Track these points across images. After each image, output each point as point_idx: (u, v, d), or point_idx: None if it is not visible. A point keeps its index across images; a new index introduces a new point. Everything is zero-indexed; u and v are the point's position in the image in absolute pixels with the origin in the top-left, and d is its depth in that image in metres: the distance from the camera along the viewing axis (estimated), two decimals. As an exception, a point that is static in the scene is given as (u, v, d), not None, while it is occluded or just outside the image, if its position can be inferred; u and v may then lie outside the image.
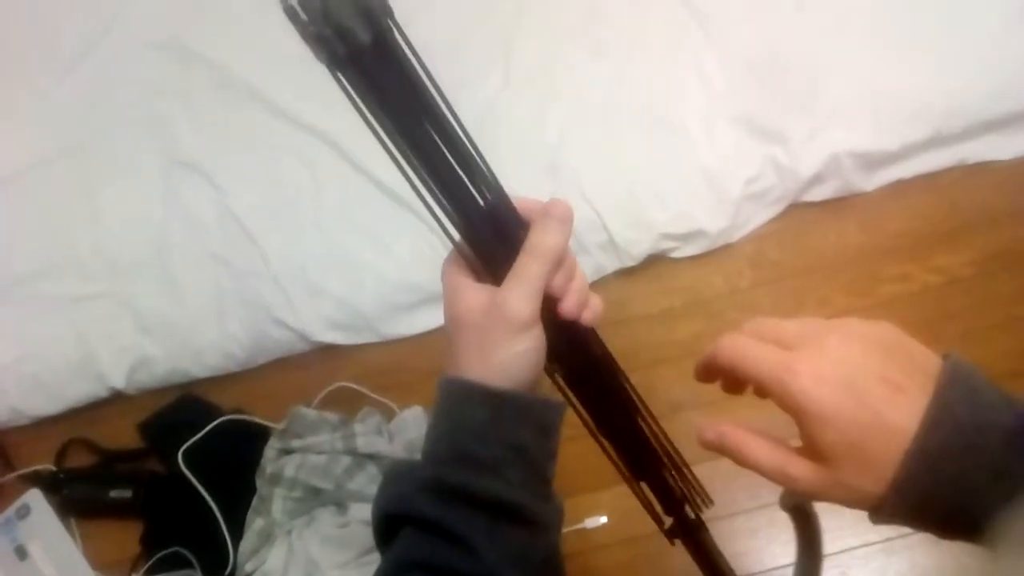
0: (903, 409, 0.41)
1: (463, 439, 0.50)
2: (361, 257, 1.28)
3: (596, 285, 1.26)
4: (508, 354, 0.50)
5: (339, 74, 0.43)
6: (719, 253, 1.26)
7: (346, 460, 1.14)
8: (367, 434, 1.16)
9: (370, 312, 1.27)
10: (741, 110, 1.26)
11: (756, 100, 1.27)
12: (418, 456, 0.53)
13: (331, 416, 1.20)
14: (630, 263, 1.26)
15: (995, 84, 1.21)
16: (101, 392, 1.31)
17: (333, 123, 1.35)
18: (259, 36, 1.44)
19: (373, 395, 1.24)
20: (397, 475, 0.52)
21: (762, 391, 0.46)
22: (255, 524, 1.14)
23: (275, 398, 1.25)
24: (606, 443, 0.59)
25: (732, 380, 0.50)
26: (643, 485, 0.61)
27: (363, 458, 1.15)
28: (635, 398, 0.59)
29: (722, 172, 1.23)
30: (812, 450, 0.43)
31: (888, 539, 1.03)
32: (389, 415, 1.23)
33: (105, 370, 1.29)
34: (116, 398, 1.32)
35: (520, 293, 0.50)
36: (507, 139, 1.31)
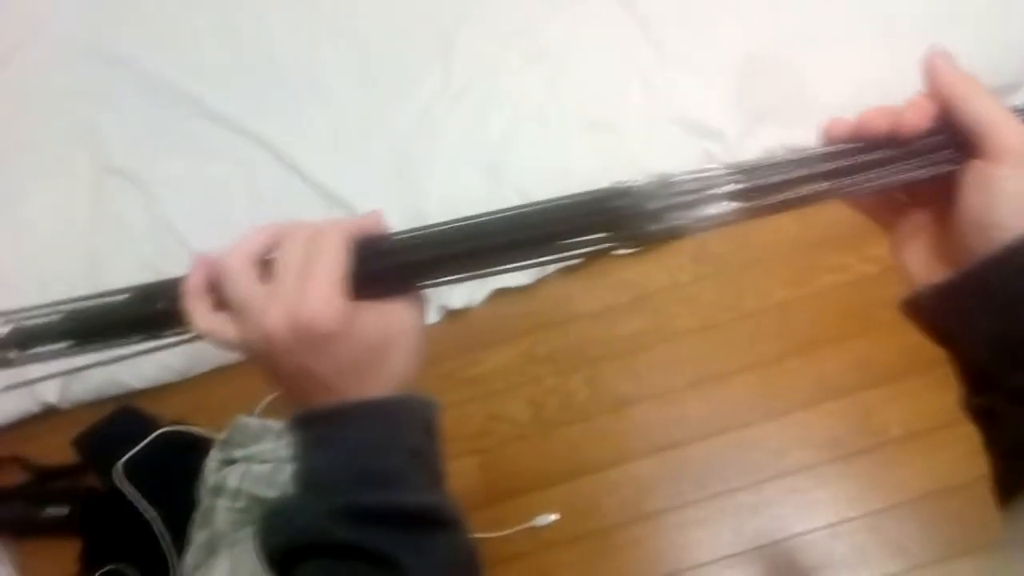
0: None
1: (358, 460, 0.47)
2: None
3: (539, 284, 1.26)
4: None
5: None
6: (661, 248, 1.26)
7: (291, 468, 1.12)
8: (312, 441, 1.14)
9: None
10: (678, 107, 1.28)
11: (693, 97, 1.28)
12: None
13: (274, 424, 1.18)
14: (572, 261, 1.26)
15: (917, 78, 1.24)
16: (33, 408, 1.26)
17: (266, 125, 1.33)
18: (186, 37, 1.41)
19: (317, 400, 1.22)
20: (290, 509, 0.48)
21: None
22: (198, 537, 1.12)
23: (216, 408, 1.22)
24: None
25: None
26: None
27: (308, 465, 1.13)
28: None
29: (660, 169, 1.24)
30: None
31: (831, 524, 1.05)
32: (334, 420, 1.21)
33: (36, 384, 1.24)
34: (50, 413, 1.27)
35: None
36: (447, 141, 1.31)
